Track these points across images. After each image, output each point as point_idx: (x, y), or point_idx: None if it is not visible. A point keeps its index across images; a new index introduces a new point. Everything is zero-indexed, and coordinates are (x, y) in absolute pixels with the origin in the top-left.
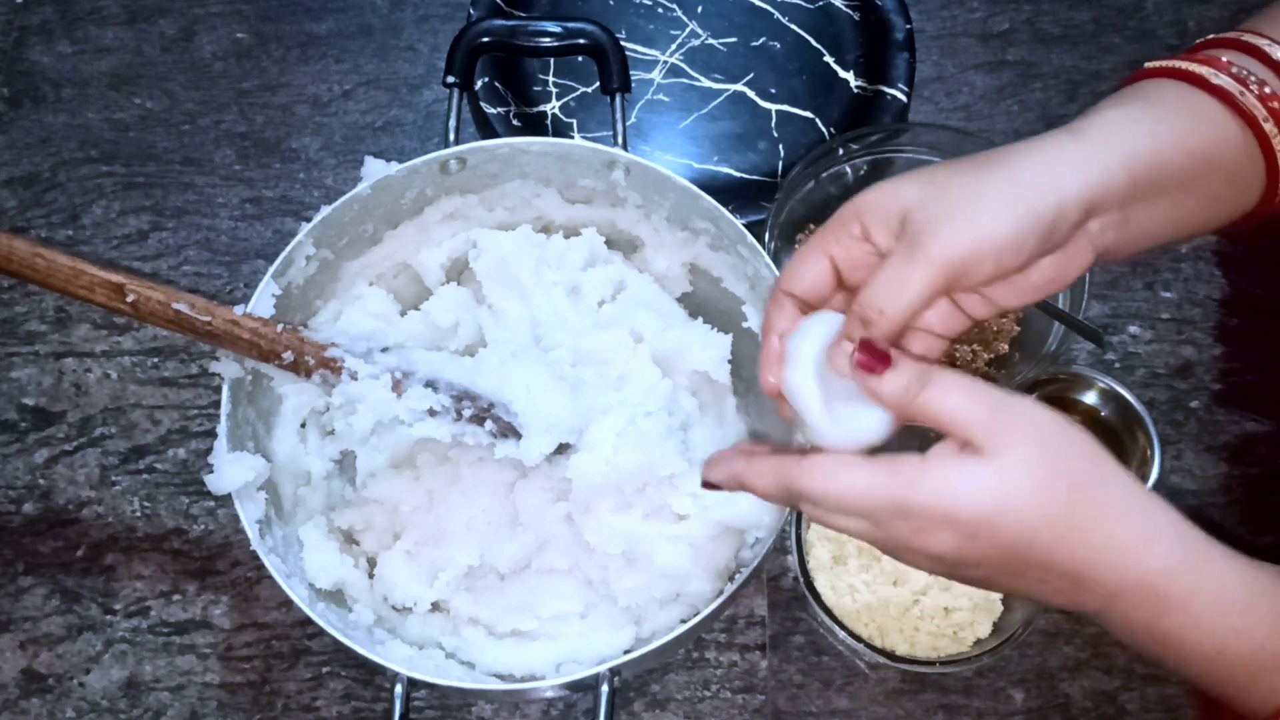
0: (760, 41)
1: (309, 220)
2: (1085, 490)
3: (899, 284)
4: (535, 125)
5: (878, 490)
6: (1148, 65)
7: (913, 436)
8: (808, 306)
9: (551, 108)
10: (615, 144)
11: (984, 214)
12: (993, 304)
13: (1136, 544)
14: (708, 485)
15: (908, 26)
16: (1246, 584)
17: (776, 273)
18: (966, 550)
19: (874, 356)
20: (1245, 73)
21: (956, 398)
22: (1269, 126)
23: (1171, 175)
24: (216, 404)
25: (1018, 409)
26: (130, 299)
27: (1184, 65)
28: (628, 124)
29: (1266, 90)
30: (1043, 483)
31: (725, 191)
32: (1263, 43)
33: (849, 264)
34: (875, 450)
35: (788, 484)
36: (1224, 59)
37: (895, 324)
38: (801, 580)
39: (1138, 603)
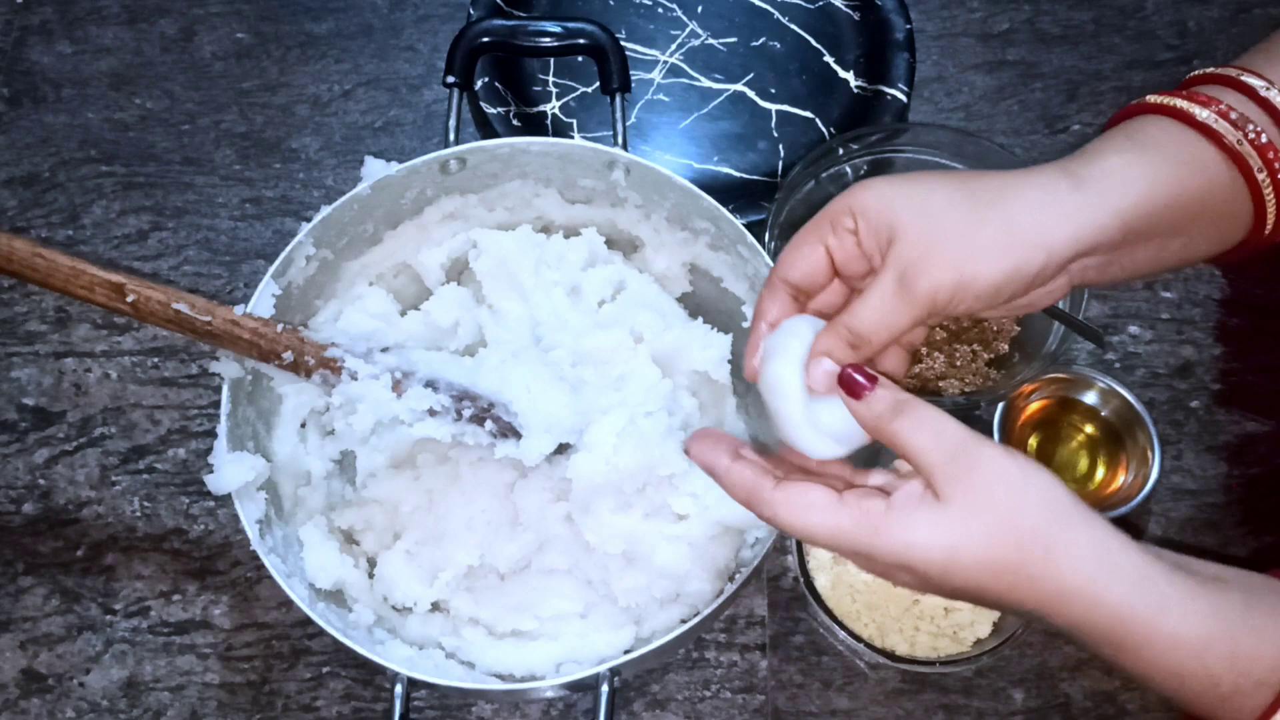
0: (760, 41)
1: (309, 220)
2: (1036, 543)
3: (887, 316)
4: (535, 125)
5: (842, 535)
6: (1149, 99)
7: None
8: (803, 295)
9: (551, 108)
10: (615, 144)
11: (973, 261)
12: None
13: (1089, 592)
14: (687, 453)
15: (908, 26)
16: (1204, 622)
17: None
18: (927, 588)
19: (859, 378)
20: (1244, 119)
21: (923, 436)
22: (1262, 177)
23: (1162, 224)
24: (216, 404)
25: (978, 455)
26: (130, 299)
27: (1184, 105)
28: (628, 124)
29: (1263, 139)
30: (993, 538)
31: (725, 191)
32: (1259, 84)
33: (843, 256)
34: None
35: (757, 506)
36: (1224, 103)
37: (877, 351)
38: (801, 580)
39: (1096, 640)
